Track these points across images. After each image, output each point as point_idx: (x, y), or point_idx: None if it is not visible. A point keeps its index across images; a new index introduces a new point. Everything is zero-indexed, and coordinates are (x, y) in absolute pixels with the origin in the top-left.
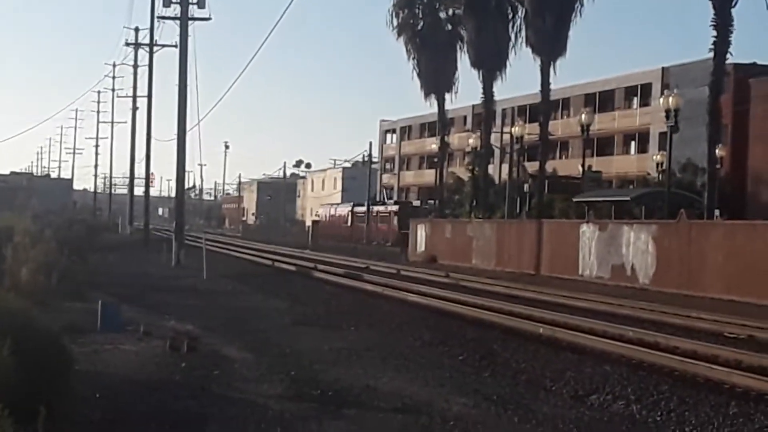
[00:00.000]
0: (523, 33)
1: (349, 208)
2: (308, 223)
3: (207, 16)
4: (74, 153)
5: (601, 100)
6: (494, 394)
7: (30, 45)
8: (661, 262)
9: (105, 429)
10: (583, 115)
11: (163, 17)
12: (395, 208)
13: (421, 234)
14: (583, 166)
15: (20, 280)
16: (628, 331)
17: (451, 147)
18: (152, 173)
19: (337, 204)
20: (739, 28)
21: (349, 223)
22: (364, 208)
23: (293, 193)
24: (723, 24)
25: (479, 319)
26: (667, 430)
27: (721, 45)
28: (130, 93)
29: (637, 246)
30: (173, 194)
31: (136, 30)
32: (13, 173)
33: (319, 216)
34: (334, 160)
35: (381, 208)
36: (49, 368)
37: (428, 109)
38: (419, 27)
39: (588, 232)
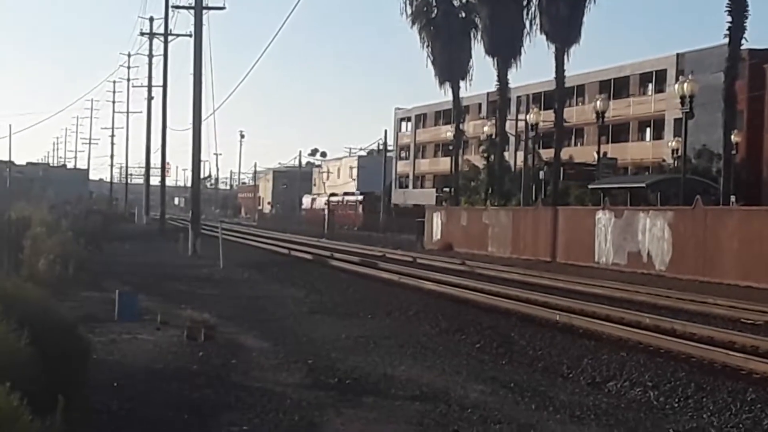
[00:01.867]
0: (538, 20)
1: (326, 198)
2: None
3: (221, 5)
4: (90, 143)
5: (616, 87)
6: (511, 382)
7: (45, 36)
8: (677, 248)
9: (123, 418)
10: (598, 102)
11: (178, 7)
12: (361, 197)
13: (436, 222)
14: (598, 153)
15: (37, 270)
16: (644, 317)
17: (466, 135)
18: (168, 163)
19: (318, 194)
20: (754, 14)
21: (326, 212)
22: (338, 198)
23: (308, 181)
24: (738, 9)
25: (496, 306)
26: (684, 416)
27: (736, 31)
28: (146, 83)
29: (653, 232)
30: (189, 184)
31: (151, 20)
32: (29, 164)
33: (304, 204)
34: (350, 149)
35: (351, 198)
36: (67, 358)
37: (443, 96)
38: (433, 15)
39: (604, 219)
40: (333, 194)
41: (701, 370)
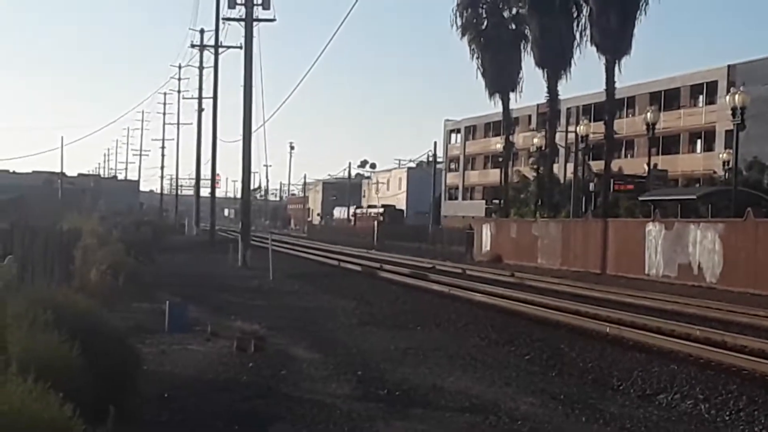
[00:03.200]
0: (588, 32)
1: (353, 210)
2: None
3: (272, 17)
4: (141, 155)
5: (667, 99)
6: (561, 394)
7: (96, 49)
8: (728, 260)
9: (173, 429)
10: (649, 114)
11: (228, 19)
12: (381, 210)
13: (486, 233)
14: (648, 164)
15: (89, 281)
16: (695, 330)
17: (516, 146)
18: (218, 174)
19: (345, 206)
20: None
21: (353, 222)
22: (362, 210)
23: (358, 193)
24: None
25: (545, 318)
26: (736, 429)
27: None
28: (196, 94)
29: (704, 245)
30: (239, 195)
31: (202, 32)
32: (80, 175)
33: (334, 215)
34: (399, 160)
35: (373, 210)
36: (118, 368)
37: (493, 108)
38: (483, 26)
39: (654, 231)
40: (359, 207)
41: (753, 383)
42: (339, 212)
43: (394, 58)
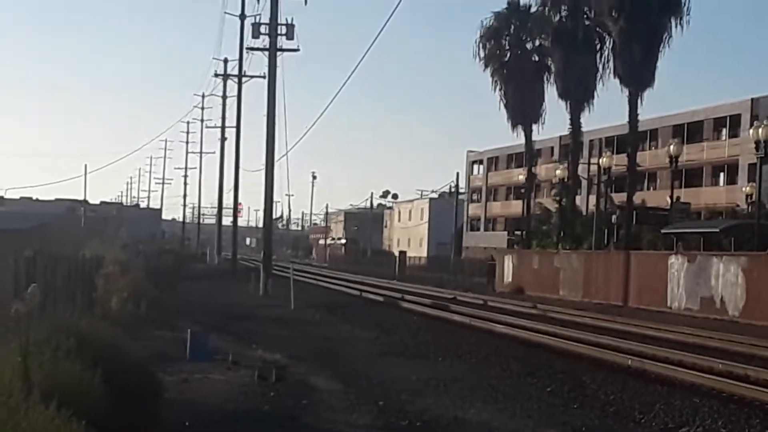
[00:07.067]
0: (611, 64)
1: (328, 241)
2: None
3: (295, 47)
4: (163, 183)
5: (690, 131)
6: (583, 426)
7: (119, 77)
8: (750, 294)
9: None
10: (672, 146)
11: (252, 48)
12: (344, 241)
13: (508, 265)
14: (671, 197)
15: (110, 309)
16: (717, 363)
17: (539, 178)
18: (240, 203)
19: (324, 237)
20: None
21: (327, 250)
22: (332, 241)
23: (380, 223)
24: None
25: (567, 350)
26: None
27: None
28: (219, 123)
29: (727, 278)
30: (261, 224)
31: (225, 61)
32: (103, 203)
33: (319, 243)
34: (421, 191)
35: (339, 242)
36: (139, 396)
37: (515, 139)
38: (506, 58)
39: (676, 263)
40: (332, 239)
41: None
42: (322, 242)
43: (416, 88)
